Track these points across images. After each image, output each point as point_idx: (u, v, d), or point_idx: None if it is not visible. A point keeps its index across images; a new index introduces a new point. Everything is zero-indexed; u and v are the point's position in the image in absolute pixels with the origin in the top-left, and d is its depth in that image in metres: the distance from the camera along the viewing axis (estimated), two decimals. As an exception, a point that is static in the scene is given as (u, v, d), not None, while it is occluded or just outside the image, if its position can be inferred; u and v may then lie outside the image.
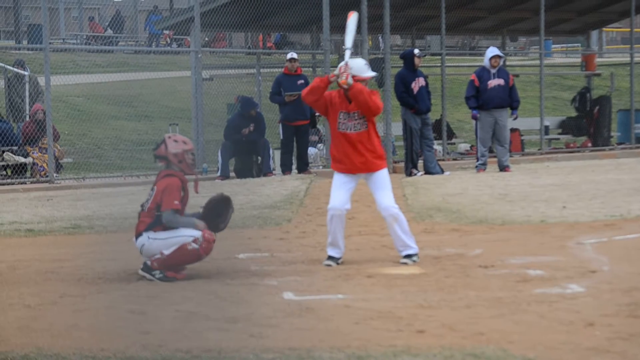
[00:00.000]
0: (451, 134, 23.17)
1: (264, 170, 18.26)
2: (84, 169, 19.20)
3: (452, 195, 14.05)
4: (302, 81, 18.35)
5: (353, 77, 8.74)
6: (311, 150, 19.93)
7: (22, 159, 17.79)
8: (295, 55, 18.52)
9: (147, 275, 8.16)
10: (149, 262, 8.19)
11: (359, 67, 8.85)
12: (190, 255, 8.18)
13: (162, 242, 8.22)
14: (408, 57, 17.89)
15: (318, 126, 20.46)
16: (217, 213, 8.55)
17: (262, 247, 9.93)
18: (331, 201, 8.87)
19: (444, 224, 11.41)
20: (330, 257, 8.81)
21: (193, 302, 7.16)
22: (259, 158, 18.62)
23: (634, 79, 24.77)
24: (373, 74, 8.95)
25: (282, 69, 18.68)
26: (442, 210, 12.50)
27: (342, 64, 8.78)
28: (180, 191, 8.34)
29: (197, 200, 8.76)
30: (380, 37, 28.87)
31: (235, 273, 8.40)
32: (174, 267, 8.20)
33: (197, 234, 8.20)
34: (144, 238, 8.28)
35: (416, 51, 18.11)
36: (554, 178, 16.54)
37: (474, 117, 18.12)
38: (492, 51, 18.20)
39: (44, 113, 17.56)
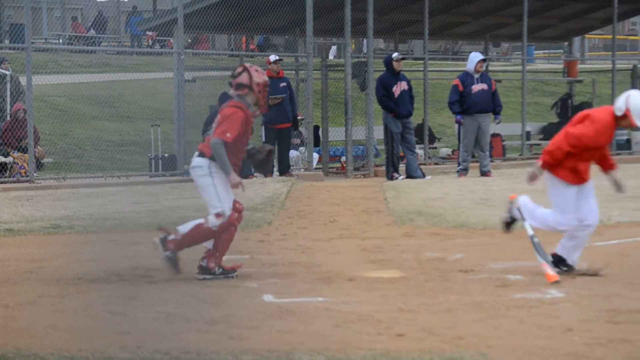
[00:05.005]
0: (433, 139, 23.21)
1: (244, 173, 18.24)
2: (65, 169, 19.12)
3: (433, 200, 14.07)
4: (285, 84, 18.36)
5: None
6: (293, 153, 19.93)
7: (2, 159, 17.71)
8: (277, 57, 18.52)
9: (208, 277, 8.13)
10: (203, 263, 8.16)
11: None
12: (207, 232, 8.14)
13: (207, 182, 8.13)
14: (387, 62, 17.99)
15: (300, 129, 20.46)
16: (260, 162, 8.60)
17: (243, 249, 9.90)
18: None
19: (425, 228, 11.42)
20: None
21: (173, 304, 7.14)
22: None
23: (616, 85, 24.88)
24: None
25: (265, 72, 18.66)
26: (423, 214, 12.51)
27: None
28: (241, 126, 8.22)
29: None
30: (363, 41, 28.91)
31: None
32: (192, 244, 8.15)
33: (225, 208, 8.11)
34: (205, 162, 8.20)
35: (394, 55, 18.15)
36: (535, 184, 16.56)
37: (458, 122, 18.14)
38: (478, 56, 18.23)
39: (25, 112, 17.49)
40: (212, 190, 8.20)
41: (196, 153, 8.35)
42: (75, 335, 6.18)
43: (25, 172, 17.44)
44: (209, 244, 8.32)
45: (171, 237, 8.23)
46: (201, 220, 8.18)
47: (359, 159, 20.60)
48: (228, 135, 8.15)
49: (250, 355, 5.57)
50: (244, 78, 8.36)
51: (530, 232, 8.09)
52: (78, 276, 8.30)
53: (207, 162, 8.21)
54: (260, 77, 8.39)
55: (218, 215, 8.17)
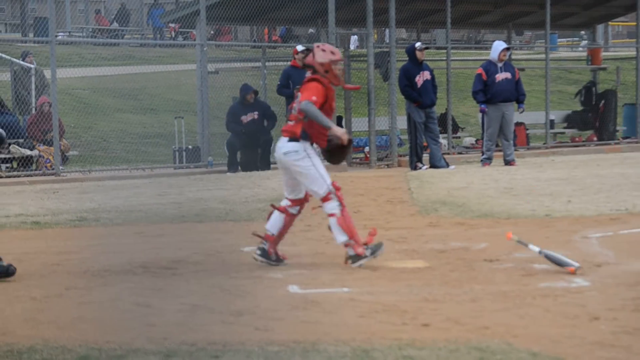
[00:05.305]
0: (456, 128, 23.16)
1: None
2: (90, 162, 19.23)
3: (457, 189, 14.05)
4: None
5: None
6: (316, 144, 19.92)
7: (28, 152, 17.83)
8: (304, 47, 18.56)
9: (363, 262, 8.16)
10: (352, 252, 8.14)
11: None
12: (348, 217, 8.17)
13: (307, 164, 8.16)
14: (410, 52, 17.97)
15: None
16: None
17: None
18: None
19: (449, 217, 11.41)
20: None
21: (198, 295, 7.16)
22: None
23: (640, 73, 24.71)
24: None
25: (289, 62, 18.68)
26: (447, 204, 12.50)
27: None
28: (323, 92, 8.18)
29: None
30: (385, 31, 28.86)
31: (240, 266, 8.41)
32: (355, 232, 8.17)
33: (329, 182, 8.15)
34: (299, 146, 8.17)
35: (417, 44, 18.15)
36: (559, 172, 16.53)
37: (483, 111, 18.09)
38: (501, 44, 18.18)
39: (50, 106, 17.60)
40: (313, 172, 8.20)
41: (284, 139, 8.26)
42: (102, 327, 6.22)
43: (51, 165, 17.56)
44: (273, 229, 8.38)
45: (350, 250, 8.18)
46: (332, 219, 8.17)
47: (383, 149, 20.59)
48: (314, 98, 8.10)
49: (275, 346, 5.59)
50: (308, 58, 8.38)
51: (537, 249, 8.03)
52: (104, 268, 8.35)
53: (301, 144, 8.19)
54: (325, 56, 8.27)
55: (327, 197, 8.18)
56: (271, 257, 8.41)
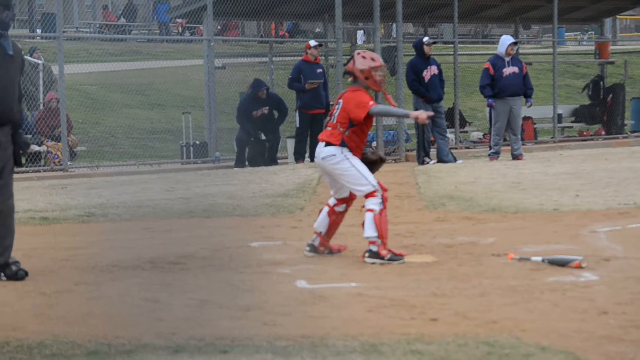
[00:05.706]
0: (464, 123, 23.15)
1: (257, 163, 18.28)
2: (98, 157, 19.27)
3: (465, 184, 14.05)
4: (321, 70, 18.44)
5: None
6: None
7: (36, 147, 17.86)
8: (317, 43, 18.60)
9: (377, 261, 8.14)
10: (375, 248, 8.15)
11: None
12: (385, 217, 8.18)
13: (346, 166, 8.21)
14: (417, 46, 17.95)
15: (331, 115, 20.46)
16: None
17: (275, 236, 9.94)
18: None
19: (457, 212, 11.40)
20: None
21: (206, 290, 7.17)
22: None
23: (648, 66, 24.69)
24: None
25: (296, 57, 18.71)
26: (454, 198, 12.49)
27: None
28: (371, 97, 8.28)
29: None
30: (392, 25, 28.84)
31: (248, 261, 8.42)
32: (386, 232, 8.16)
33: (374, 182, 8.18)
34: (336, 150, 8.23)
35: (425, 39, 18.13)
36: (567, 166, 16.51)
37: (490, 106, 18.06)
38: (509, 39, 18.15)
39: (58, 101, 17.63)
40: (354, 172, 8.25)
41: (321, 144, 8.36)
42: (111, 322, 6.23)
43: (59, 161, 17.59)
44: (320, 227, 8.47)
45: (373, 247, 8.19)
46: (369, 214, 8.18)
47: (390, 143, 20.59)
48: (371, 103, 8.20)
49: (284, 341, 5.60)
50: (349, 65, 8.45)
51: (539, 259, 8.03)
52: (113, 264, 8.36)
53: (338, 148, 8.27)
54: (365, 63, 8.32)
55: (372, 193, 8.20)
56: (323, 253, 8.53)
